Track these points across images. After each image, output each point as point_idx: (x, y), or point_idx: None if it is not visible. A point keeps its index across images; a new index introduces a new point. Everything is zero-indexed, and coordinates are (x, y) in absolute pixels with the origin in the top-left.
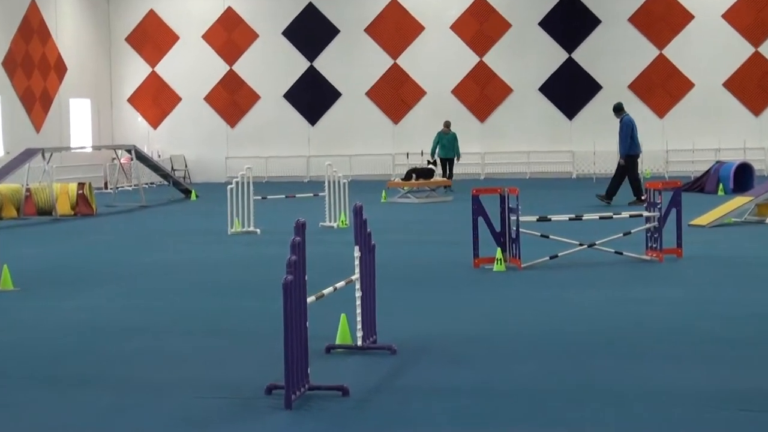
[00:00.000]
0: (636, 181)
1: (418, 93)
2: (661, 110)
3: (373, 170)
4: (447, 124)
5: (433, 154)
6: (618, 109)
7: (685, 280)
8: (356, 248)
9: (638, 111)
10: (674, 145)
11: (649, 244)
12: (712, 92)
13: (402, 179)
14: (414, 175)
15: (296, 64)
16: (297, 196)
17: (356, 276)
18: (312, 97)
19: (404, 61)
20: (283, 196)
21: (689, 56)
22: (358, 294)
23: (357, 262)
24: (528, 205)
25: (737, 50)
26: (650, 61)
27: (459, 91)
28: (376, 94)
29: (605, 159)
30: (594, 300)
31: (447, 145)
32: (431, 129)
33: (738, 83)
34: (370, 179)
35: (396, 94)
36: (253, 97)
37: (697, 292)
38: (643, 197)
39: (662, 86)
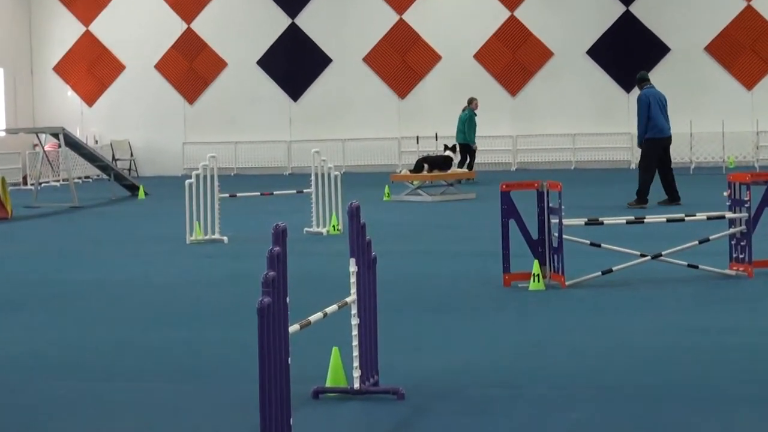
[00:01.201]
0: (646, 178)
1: (430, 58)
2: (748, 79)
3: (373, 159)
4: (468, 100)
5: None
6: (642, 79)
7: None
8: (352, 261)
9: (719, 81)
10: (767, 124)
11: (735, 255)
12: None
13: (411, 171)
14: (426, 166)
15: (273, 22)
16: (275, 193)
17: (352, 298)
18: (294, 64)
19: (413, 16)
20: (258, 193)
21: None
22: (355, 322)
23: (353, 279)
24: (574, 204)
25: None
26: (735, 14)
27: (484, 56)
28: (376, 60)
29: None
30: (661, 329)
31: (460, 126)
32: (448, 105)
33: None
34: (369, 171)
35: (402, 61)
36: (217, 65)
37: None
38: (645, 205)
39: (751, 48)
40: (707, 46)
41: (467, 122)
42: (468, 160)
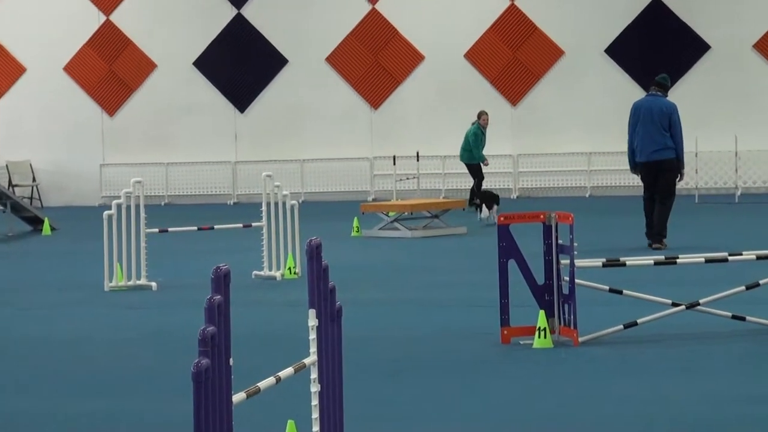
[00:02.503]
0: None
1: (410, 58)
2: None
3: (339, 185)
4: (478, 114)
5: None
6: (664, 85)
7: None
8: (311, 313)
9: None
10: None
11: None
12: None
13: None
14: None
15: (214, 13)
16: (217, 227)
17: (311, 359)
18: (240, 66)
19: (388, 5)
20: (195, 227)
21: None
22: (315, 388)
23: (312, 336)
24: (589, 240)
25: None
26: None
27: (477, 55)
28: (343, 60)
29: (715, 164)
30: (705, 398)
31: (465, 144)
32: (432, 118)
33: None
34: (334, 200)
35: (375, 61)
36: (144, 67)
37: None
38: (659, 244)
39: None
40: (757, 42)
41: (472, 138)
42: (477, 180)
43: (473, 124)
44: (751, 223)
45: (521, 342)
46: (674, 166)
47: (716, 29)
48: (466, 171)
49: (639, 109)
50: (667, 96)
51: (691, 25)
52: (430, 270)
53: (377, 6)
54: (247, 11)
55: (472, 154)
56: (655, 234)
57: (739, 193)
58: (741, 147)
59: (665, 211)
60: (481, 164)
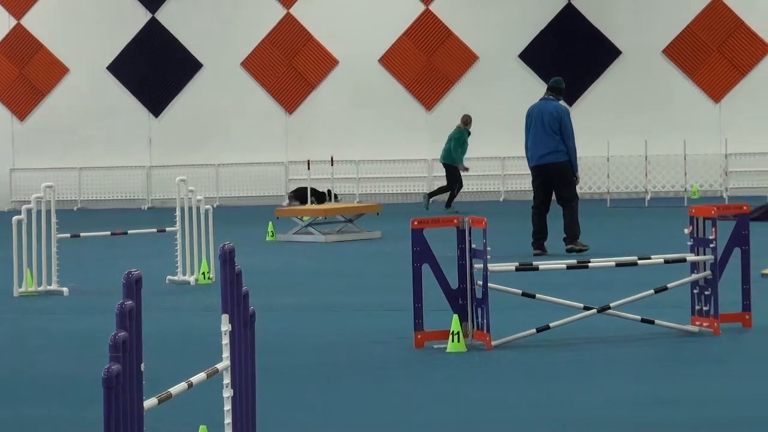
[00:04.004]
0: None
1: (325, 63)
2: (715, 90)
3: (254, 190)
4: (467, 119)
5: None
6: (557, 88)
7: (756, 366)
8: (224, 318)
9: (680, 91)
10: (738, 145)
11: (698, 307)
12: None
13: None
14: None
15: (128, 17)
16: (130, 232)
17: (224, 364)
18: (154, 70)
19: (303, 10)
20: (108, 232)
21: (762, 2)
22: (228, 393)
23: (225, 341)
24: (503, 244)
25: None
26: (699, 9)
27: (392, 60)
28: (258, 65)
29: (626, 168)
30: (614, 400)
31: (447, 145)
32: (347, 122)
33: None
34: (249, 204)
35: (291, 65)
36: (56, 71)
37: None
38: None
39: (719, 51)
40: (666, 47)
41: (456, 142)
42: (457, 184)
43: (458, 128)
44: (661, 227)
45: (435, 346)
46: (566, 168)
47: (627, 35)
48: (382, 175)
49: (531, 113)
50: (561, 99)
51: (602, 30)
52: (343, 275)
53: (292, 11)
54: (162, 15)
55: (449, 156)
56: (568, 237)
57: (648, 197)
58: (651, 152)
59: (570, 213)
60: (460, 168)
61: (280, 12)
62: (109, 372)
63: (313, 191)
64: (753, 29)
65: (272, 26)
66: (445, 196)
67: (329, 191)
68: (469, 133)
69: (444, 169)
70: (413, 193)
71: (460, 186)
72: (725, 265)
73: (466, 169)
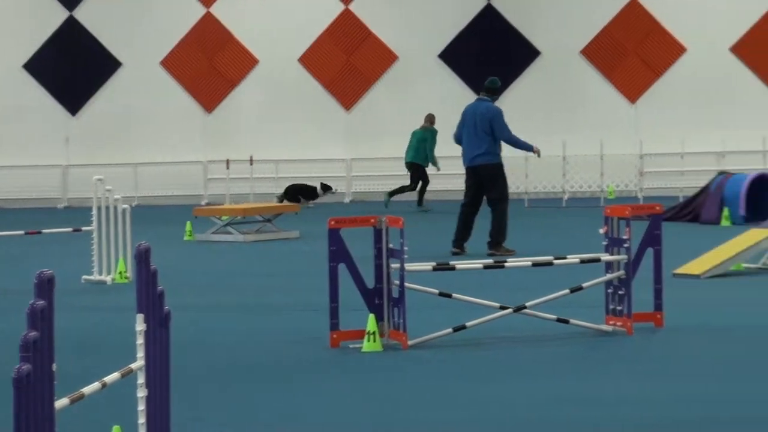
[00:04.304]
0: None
1: (245, 62)
2: (632, 91)
3: (172, 189)
4: (432, 118)
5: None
6: (491, 88)
7: (668, 365)
8: (139, 318)
9: (598, 92)
10: (653, 146)
11: (612, 306)
12: (714, 62)
13: (282, 199)
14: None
15: (45, 15)
16: (45, 231)
17: (139, 364)
18: (72, 69)
19: (223, 9)
20: (22, 232)
21: (677, 4)
22: (142, 393)
23: (140, 340)
24: (421, 244)
25: None
26: (617, 10)
27: (311, 60)
28: (177, 64)
29: (544, 168)
30: (529, 400)
31: (414, 143)
32: (266, 121)
33: (755, 49)
34: (167, 204)
35: (210, 65)
36: None
37: (690, 386)
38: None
39: (635, 52)
40: (584, 48)
41: (429, 141)
42: (421, 183)
43: (422, 128)
44: (577, 227)
45: (351, 346)
46: (496, 170)
47: (546, 35)
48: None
49: (466, 113)
50: (495, 99)
51: (522, 31)
52: (261, 274)
53: (212, 10)
54: (80, 13)
55: (419, 155)
56: (491, 241)
57: (566, 197)
58: (568, 152)
59: (498, 216)
60: (427, 167)
61: (200, 11)
62: (20, 372)
63: (304, 187)
64: (668, 30)
65: (192, 25)
66: (409, 195)
67: (322, 185)
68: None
69: (409, 169)
70: (332, 192)
71: (426, 183)
72: (639, 265)
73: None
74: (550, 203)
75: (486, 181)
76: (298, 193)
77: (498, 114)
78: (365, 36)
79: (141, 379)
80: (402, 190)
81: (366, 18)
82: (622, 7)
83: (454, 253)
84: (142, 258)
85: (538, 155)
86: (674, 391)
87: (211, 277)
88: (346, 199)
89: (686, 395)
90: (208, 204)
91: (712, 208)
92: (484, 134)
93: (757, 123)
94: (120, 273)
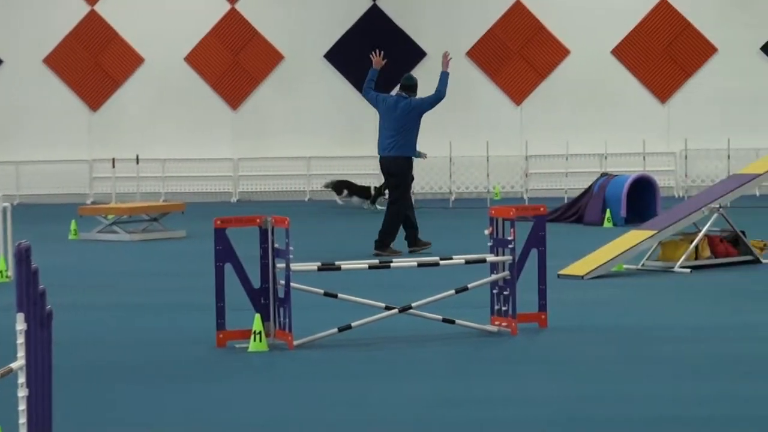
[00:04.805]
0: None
1: (131, 61)
2: (517, 92)
3: (57, 188)
4: None
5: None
6: (406, 85)
7: (551, 365)
8: (20, 317)
9: (484, 93)
10: (538, 147)
11: (497, 307)
12: (596, 65)
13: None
14: (345, 191)
15: None
16: None
17: (19, 364)
18: None
19: (108, 7)
20: None
21: (561, 7)
22: (23, 393)
23: (21, 340)
24: (308, 244)
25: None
26: (502, 12)
27: (197, 59)
28: (61, 62)
29: (431, 169)
30: (408, 400)
31: None
32: (153, 120)
33: (634, 52)
34: (51, 202)
35: (95, 63)
36: None
37: (573, 386)
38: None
39: (520, 54)
40: (470, 50)
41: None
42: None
43: None
44: (463, 228)
45: (237, 346)
46: (401, 169)
47: (432, 37)
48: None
49: (379, 106)
50: (414, 95)
51: (408, 32)
52: (147, 273)
53: (96, 8)
54: None
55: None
56: (377, 241)
57: (453, 198)
58: (455, 153)
59: (390, 216)
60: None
61: (84, 9)
62: None
63: (350, 184)
64: (552, 33)
65: (76, 23)
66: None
67: (377, 188)
68: None
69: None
70: (218, 192)
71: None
72: (523, 266)
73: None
74: (437, 204)
75: (392, 175)
76: (346, 187)
77: (417, 109)
78: (251, 35)
79: (21, 379)
80: (380, 192)
81: (252, 17)
82: (507, 9)
83: (375, 254)
84: (22, 256)
85: (424, 157)
86: (557, 391)
87: (95, 276)
88: (233, 199)
89: (569, 395)
90: (93, 203)
91: (595, 209)
92: (402, 129)
93: (638, 125)
94: (0, 272)
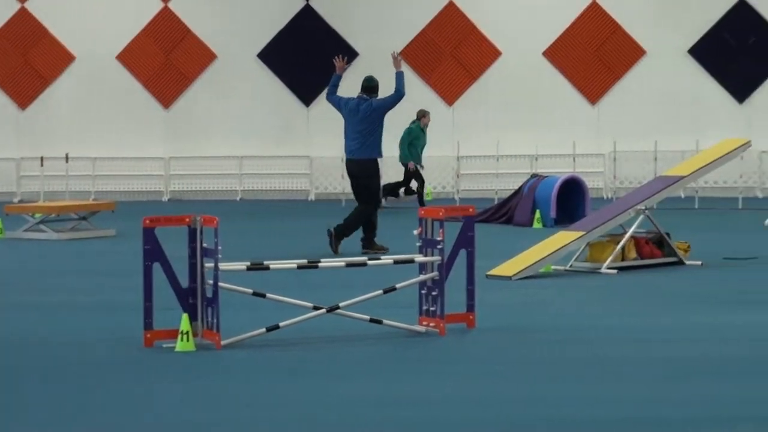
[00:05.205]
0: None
1: (61, 58)
2: (449, 93)
3: None
4: (422, 113)
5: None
6: (367, 87)
7: (479, 365)
8: None
9: (416, 95)
10: (469, 148)
11: (425, 307)
12: (527, 66)
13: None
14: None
15: None
16: None
17: None
18: None
19: (38, 4)
20: None
21: (493, 8)
22: None
23: None
24: (238, 243)
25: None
26: (434, 14)
27: (130, 57)
28: None
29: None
30: (339, 400)
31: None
32: (84, 118)
33: (565, 54)
34: None
35: (25, 60)
36: None
37: (500, 387)
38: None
39: (452, 55)
40: (402, 51)
41: (404, 137)
42: (406, 182)
43: (412, 123)
44: (394, 228)
45: (164, 345)
46: (368, 170)
47: (364, 37)
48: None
49: (342, 109)
50: (375, 96)
51: (340, 32)
52: (75, 272)
53: (27, 5)
54: None
55: (409, 153)
56: (335, 230)
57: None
58: (387, 153)
59: (358, 213)
60: (408, 165)
61: (14, 6)
62: None
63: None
64: (484, 34)
65: (5, 20)
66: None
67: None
68: (422, 129)
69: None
70: (149, 191)
71: (407, 183)
72: (452, 266)
73: (412, 168)
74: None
75: (360, 177)
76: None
77: (378, 110)
78: (184, 34)
79: None
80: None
81: (185, 16)
82: (440, 10)
83: (363, 252)
84: None
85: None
86: (484, 392)
87: (22, 275)
88: (164, 198)
89: (496, 395)
90: (21, 201)
91: (525, 210)
92: (365, 131)
93: (568, 126)
94: None
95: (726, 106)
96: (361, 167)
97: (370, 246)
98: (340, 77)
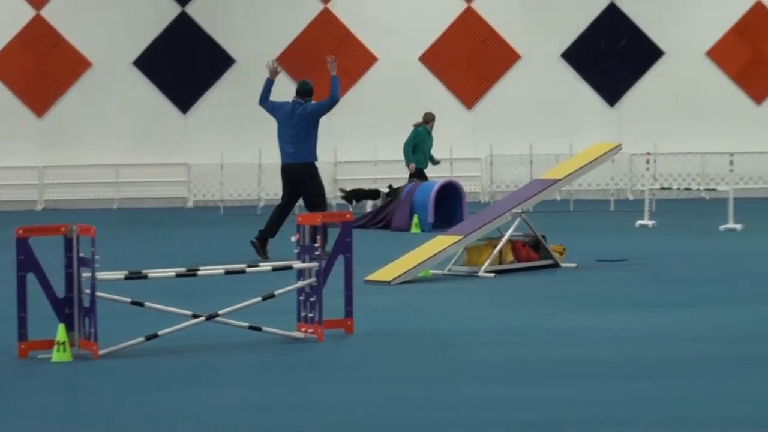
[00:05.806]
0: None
1: None
2: (321, 96)
3: None
4: (429, 116)
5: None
6: (302, 90)
7: (357, 371)
8: None
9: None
10: (347, 153)
11: (304, 314)
12: (403, 72)
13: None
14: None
15: None
16: None
17: None
18: None
19: None
20: None
21: (369, 14)
22: None
23: None
24: (116, 252)
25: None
26: (310, 19)
27: (1, 66)
28: None
29: (240, 176)
30: (218, 407)
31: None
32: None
33: (441, 59)
34: None
35: None
36: None
37: (377, 391)
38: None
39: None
40: (281, 54)
41: (407, 141)
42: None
43: (417, 126)
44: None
45: (40, 356)
46: (309, 174)
47: (241, 43)
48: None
49: (277, 113)
50: (310, 100)
51: (216, 39)
52: None
53: None
54: None
55: (418, 158)
56: (260, 238)
57: (262, 204)
58: (264, 160)
59: (276, 214)
60: (409, 167)
61: None
62: None
63: (357, 192)
64: (360, 39)
65: None
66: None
67: (390, 186)
68: (428, 132)
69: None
70: (23, 200)
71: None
72: (330, 272)
73: (413, 170)
74: (244, 211)
75: (300, 183)
76: (354, 197)
77: (312, 115)
78: (57, 42)
79: None
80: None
81: (58, 24)
82: (315, 16)
83: (262, 256)
84: None
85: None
86: (362, 396)
87: None
88: (39, 207)
89: (373, 399)
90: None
91: (403, 215)
92: (301, 135)
93: (445, 131)
94: None
95: (598, 110)
96: (301, 171)
97: (260, 245)
98: (272, 82)
